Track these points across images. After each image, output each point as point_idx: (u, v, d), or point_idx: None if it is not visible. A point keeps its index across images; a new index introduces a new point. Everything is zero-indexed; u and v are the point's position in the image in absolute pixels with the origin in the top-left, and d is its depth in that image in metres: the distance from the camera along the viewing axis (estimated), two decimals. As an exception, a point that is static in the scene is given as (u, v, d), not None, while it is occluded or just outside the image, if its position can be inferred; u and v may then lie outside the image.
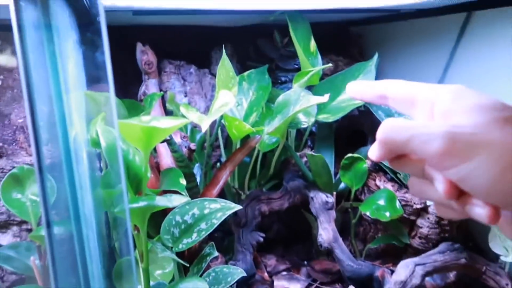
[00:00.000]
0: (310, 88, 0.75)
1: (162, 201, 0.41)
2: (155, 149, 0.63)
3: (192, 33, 0.88)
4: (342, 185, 0.77)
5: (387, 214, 0.65)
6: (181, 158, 0.57)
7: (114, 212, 0.46)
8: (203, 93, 0.84)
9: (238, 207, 0.51)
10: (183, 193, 0.52)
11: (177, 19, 0.79)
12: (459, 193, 0.27)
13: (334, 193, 0.71)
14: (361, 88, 0.35)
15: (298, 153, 0.76)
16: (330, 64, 0.64)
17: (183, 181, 0.54)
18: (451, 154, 0.26)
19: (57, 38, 0.35)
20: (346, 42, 1.03)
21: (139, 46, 0.71)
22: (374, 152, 0.30)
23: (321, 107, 0.75)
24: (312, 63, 0.70)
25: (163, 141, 0.55)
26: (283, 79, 0.87)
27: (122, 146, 0.47)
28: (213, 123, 0.81)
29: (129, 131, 0.43)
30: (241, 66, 0.91)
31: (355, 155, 0.69)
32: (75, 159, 0.35)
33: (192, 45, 0.89)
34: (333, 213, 0.69)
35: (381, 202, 0.68)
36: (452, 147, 0.25)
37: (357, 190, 0.73)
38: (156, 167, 0.63)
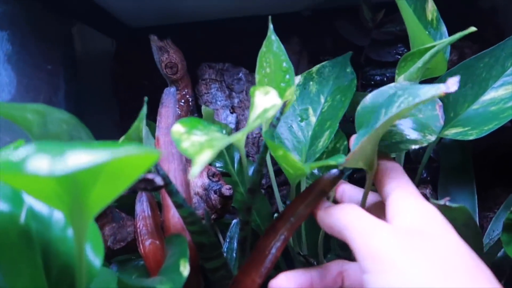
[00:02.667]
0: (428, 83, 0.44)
1: None
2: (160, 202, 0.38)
3: (241, 26, 0.64)
4: (500, 252, 0.43)
5: None
6: (191, 219, 0.31)
7: None
8: (258, 106, 0.58)
9: None
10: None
11: (218, 9, 0.56)
12: None
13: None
14: (325, 210, 0.29)
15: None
16: (473, 28, 0.33)
17: (185, 269, 0.27)
18: None
19: None
20: (474, 20, 0.69)
21: (155, 41, 0.48)
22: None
23: (450, 115, 0.43)
24: (432, 38, 0.39)
25: (156, 188, 0.30)
26: (377, 78, 0.57)
27: (37, 209, 0.23)
28: (256, 143, 0.54)
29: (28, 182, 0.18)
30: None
31: (535, 203, 0.35)
32: None
33: (242, 43, 0.64)
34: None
35: None
36: None
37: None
38: (163, 229, 0.38)
